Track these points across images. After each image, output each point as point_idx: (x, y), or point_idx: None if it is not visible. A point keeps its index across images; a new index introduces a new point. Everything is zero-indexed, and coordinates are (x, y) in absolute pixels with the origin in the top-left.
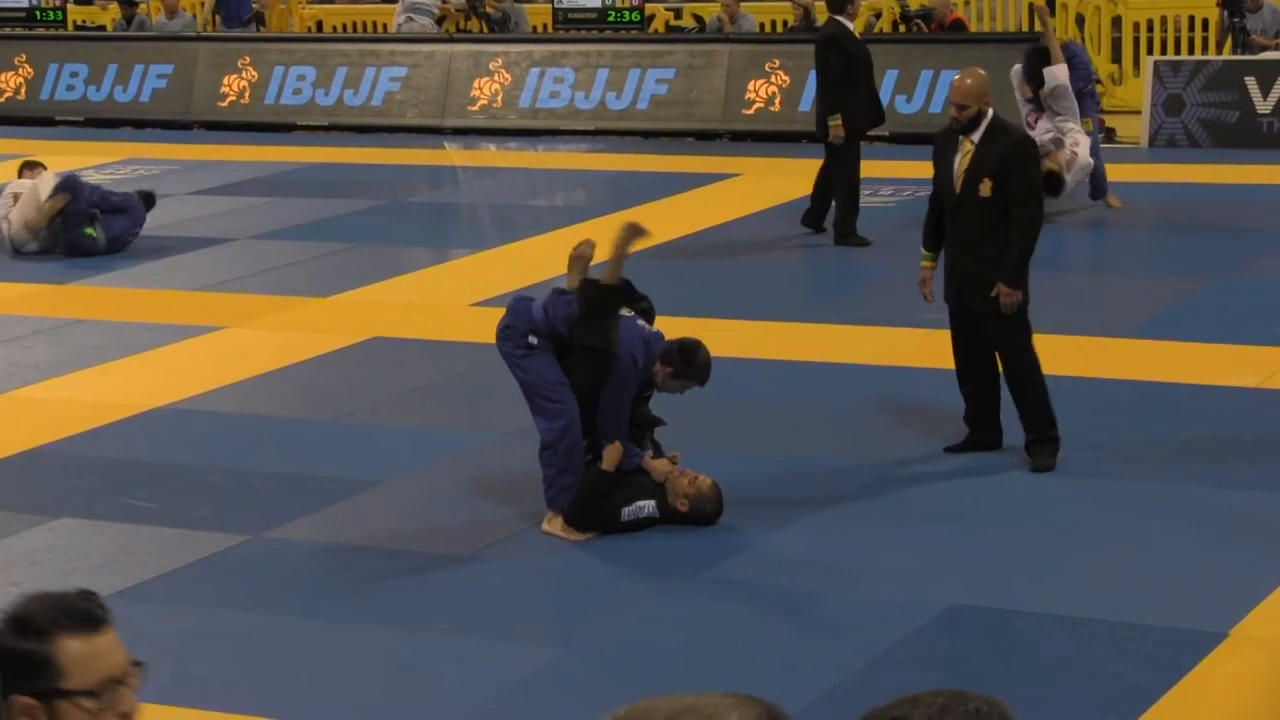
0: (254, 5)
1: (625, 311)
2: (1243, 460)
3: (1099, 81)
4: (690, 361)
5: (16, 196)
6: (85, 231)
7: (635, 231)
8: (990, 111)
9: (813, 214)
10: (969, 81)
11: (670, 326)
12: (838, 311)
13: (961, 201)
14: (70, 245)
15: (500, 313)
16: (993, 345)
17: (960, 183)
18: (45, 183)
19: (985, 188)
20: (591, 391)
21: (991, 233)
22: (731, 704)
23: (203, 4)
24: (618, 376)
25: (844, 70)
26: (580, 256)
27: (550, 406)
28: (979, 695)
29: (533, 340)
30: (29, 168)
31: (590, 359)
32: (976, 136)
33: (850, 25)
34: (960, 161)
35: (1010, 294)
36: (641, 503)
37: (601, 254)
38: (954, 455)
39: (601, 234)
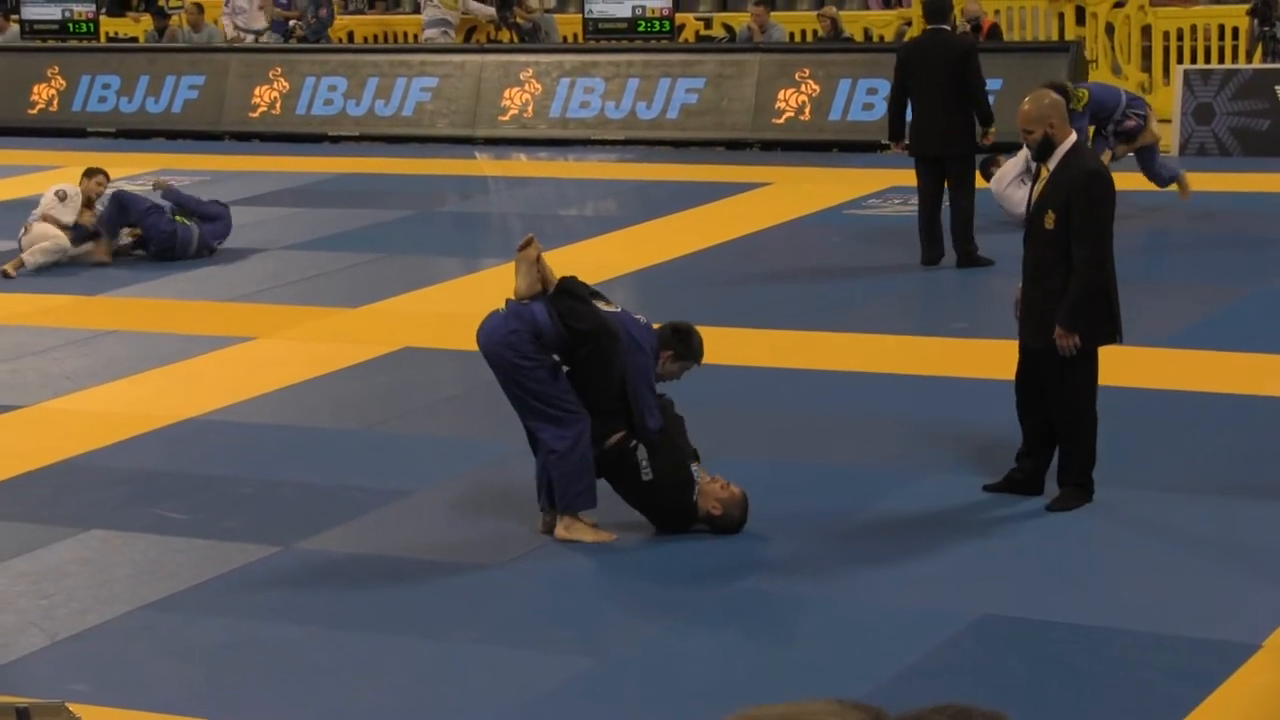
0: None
1: (614, 307)
2: (1276, 469)
3: (1139, 115)
4: (687, 341)
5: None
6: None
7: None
8: (1071, 137)
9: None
10: (1026, 105)
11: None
12: (868, 321)
13: (1030, 231)
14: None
15: None
16: (1049, 386)
17: (1031, 211)
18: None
19: (1049, 219)
20: (614, 379)
21: (1054, 267)
22: (835, 710)
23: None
24: (638, 363)
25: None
26: (525, 258)
27: (563, 415)
28: (982, 711)
29: (557, 358)
30: (89, 175)
31: (595, 347)
32: (1052, 164)
33: None
34: (1036, 189)
35: (1066, 335)
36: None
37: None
38: (987, 469)
39: (630, 244)
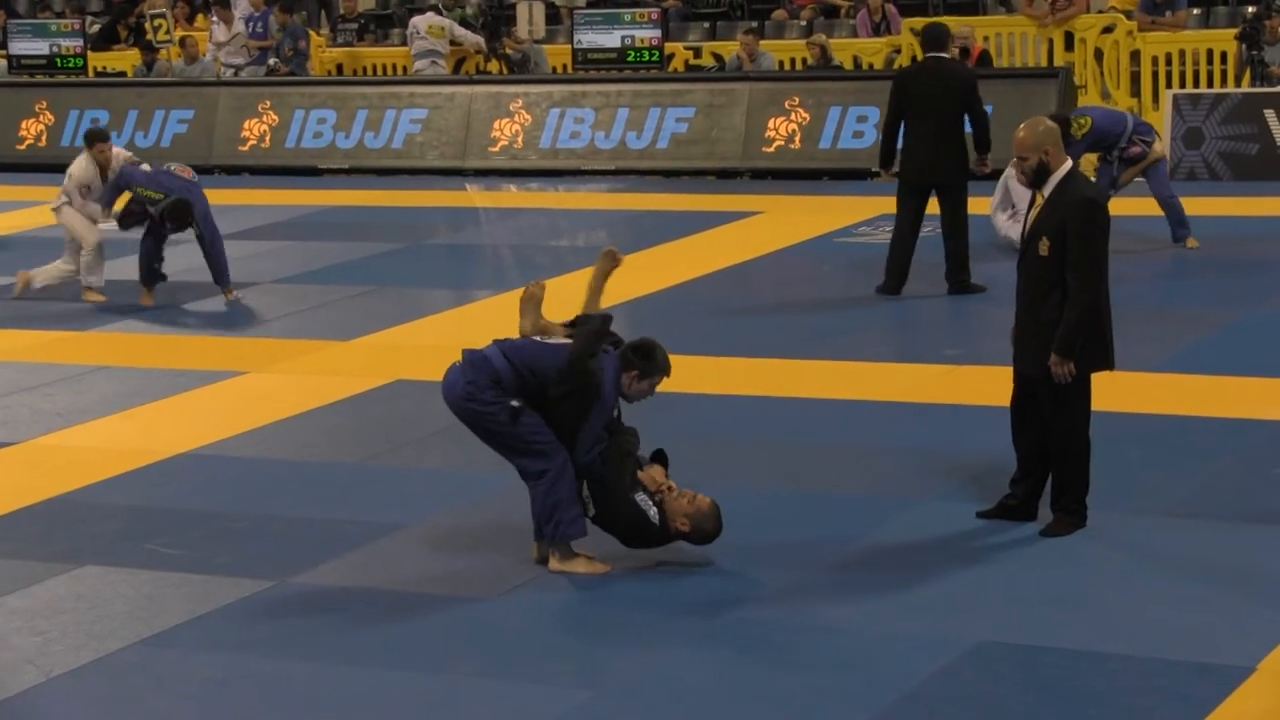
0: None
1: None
2: (1271, 493)
3: (1145, 142)
4: (650, 357)
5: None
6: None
7: (614, 261)
8: (1066, 164)
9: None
10: (1022, 133)
11: (690, 365)
12: (860, 348)
13: (1023, 257)
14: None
15: None
16: (1042, 412)
17: (1025, 238)
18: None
19: (1043, 246)
20: (584, 418)
21: (1048, 294)
22: None
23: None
24: (603, 403)
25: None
26: (532, 297)
27: (544, 447)
28: None
29: (515, 404)
30: (90, 143)
31: (576, 397)
32: (1047, 190)
33: None
34: (1031, 216)
35: (1060, 363)
36: (646, 498)
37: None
38: (981, 495)
39: (621, 273)
